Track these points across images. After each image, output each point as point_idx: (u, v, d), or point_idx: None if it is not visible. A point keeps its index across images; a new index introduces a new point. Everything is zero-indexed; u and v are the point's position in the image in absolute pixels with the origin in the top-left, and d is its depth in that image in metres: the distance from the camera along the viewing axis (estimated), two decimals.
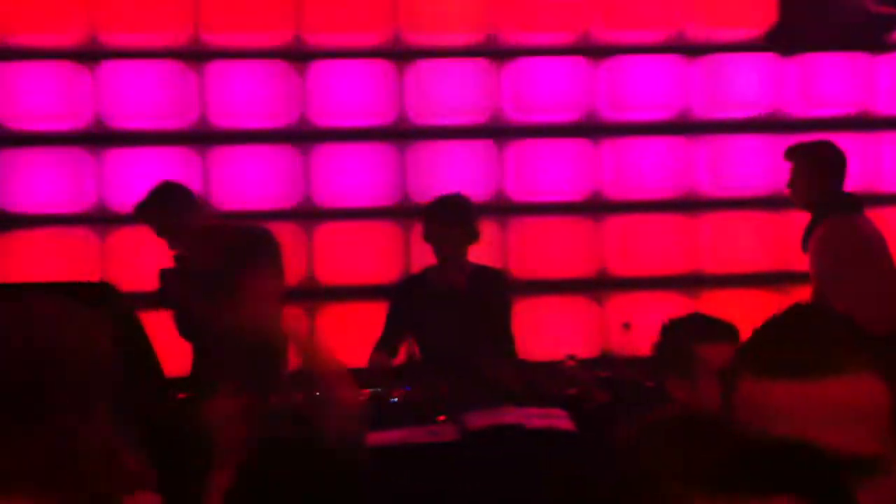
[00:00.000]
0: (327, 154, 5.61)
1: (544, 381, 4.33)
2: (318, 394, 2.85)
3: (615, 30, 5.75)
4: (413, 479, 3.69)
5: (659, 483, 0.93)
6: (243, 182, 5.54)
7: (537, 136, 5.70)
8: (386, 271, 5.49)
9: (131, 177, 5.42)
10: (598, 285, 5.67)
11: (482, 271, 4.67)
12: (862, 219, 4.49)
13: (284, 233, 4.62)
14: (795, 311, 1.21)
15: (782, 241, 5.45)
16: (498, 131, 5.68)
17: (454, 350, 4.47)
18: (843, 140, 5.77)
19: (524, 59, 5.69)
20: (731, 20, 5.78)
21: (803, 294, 4.50)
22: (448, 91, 5.64)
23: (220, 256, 4.26)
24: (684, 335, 2.85)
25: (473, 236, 4.61)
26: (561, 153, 5.70)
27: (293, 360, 3.63)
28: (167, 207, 4.61)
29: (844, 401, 1.14)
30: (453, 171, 5.58)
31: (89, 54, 5.50)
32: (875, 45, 5.81)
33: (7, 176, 5.46)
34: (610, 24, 5.74)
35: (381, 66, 5.63)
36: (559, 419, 3.82)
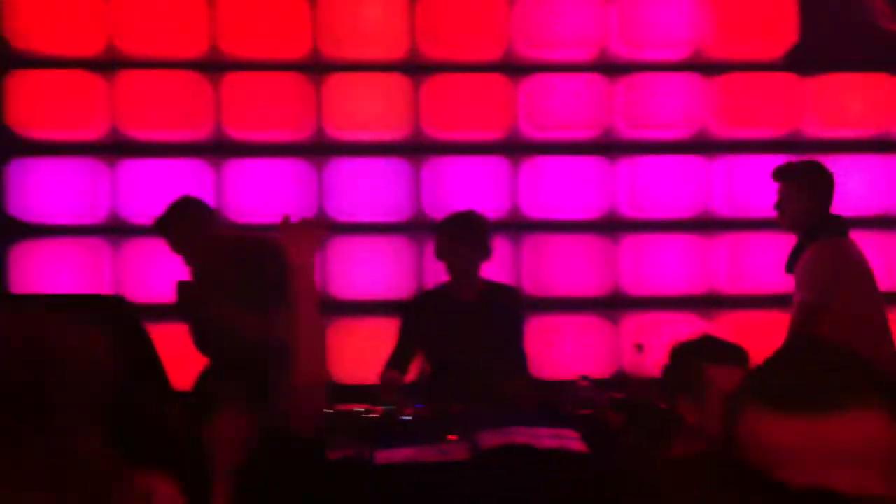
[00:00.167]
0: (342, 168, 5.60)
1: (557, 401, 4.30)
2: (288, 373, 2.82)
3: (633, 47, 5.72)
4: (423, 498, 3.66)
5: None
6: (257, 194, 5.53)
7: (553, 153, 5.67)
8: (399, 287, 5.47)
9: (146, 188, 5.42)
10: (613, 304, 5.63)
11: (495, 288, 4.65)
12: (848, 241, 4.45)
13: None
14: (802, 343, 1.19)
15: None
16: (513, 147, 5.66)
17: (466, 367, 4.44)
18: (863, 162, 5.75)
19: (540, 76, 5.67)
20: (751, 40, 5.75)
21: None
22: (463, 106, 5.63)
23: (239, 268, 4.24)
24: (694, 357, 2.84)
25: (486, 253, 4.58)
26: (576, 170, 5.67)
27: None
28: (186, 221, 4.60)
29: (850, 437, 1.11)
30: (468, 187, 5.56)
31: (106, 64, 5.50)
32: None
33: (22, 185, 5.46)
34: (627, 42, 5.72)
35: (397, 81, 5.62)
36: (571, 440, 3.79)
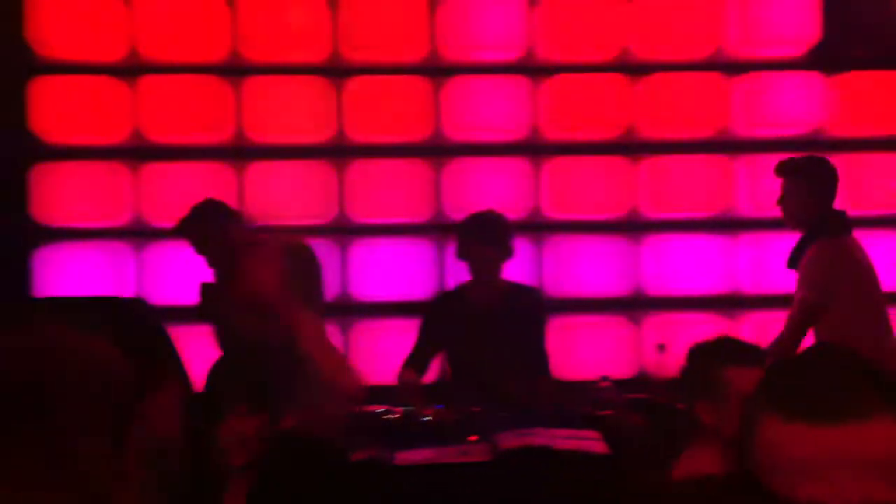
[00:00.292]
0: (362, 170, 5.60)
1: (578, 402, 4.29)
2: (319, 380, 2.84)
3: (654, 47, 5.70)
4: (444, 499, 3.66)
5: None
6: (279, 197, 5.55)
7: (574, 154, 5.66)
8: (419, 288, 5.47)
9: (169, 191, 5.45)
10: (634, 305, 5.61)
11: (516, 289, 4.64)
12: (850, 240, 4.41)
13: (319, 248, 4.63)
14: (818, 351, 1.18)
15: None
16: (534, 148, 5.65)
17: (487, 368, 4.44)
18: (887, 160, 5.70)
19: (561, 76, 5.66)
20: (774, 38, 5.72)
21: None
22: (484, 108, 5.62)
23: (264, 272, 4.27)
24: (712, 359, 2.83)
25: (508, 254, 4.57)
26: (598, 171, 5.66)
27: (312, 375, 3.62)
28: (209, 224, 4.62)
29: (865, 446, 1.10)
30: (488, 187, 5.55)
31: (128, 70, 5.54)
32: None
33: (45, 189, 5.50)
34: (649, 42, 5.70)
35: (418, 83, 5.63)
36: (592, 441, 3.78)
